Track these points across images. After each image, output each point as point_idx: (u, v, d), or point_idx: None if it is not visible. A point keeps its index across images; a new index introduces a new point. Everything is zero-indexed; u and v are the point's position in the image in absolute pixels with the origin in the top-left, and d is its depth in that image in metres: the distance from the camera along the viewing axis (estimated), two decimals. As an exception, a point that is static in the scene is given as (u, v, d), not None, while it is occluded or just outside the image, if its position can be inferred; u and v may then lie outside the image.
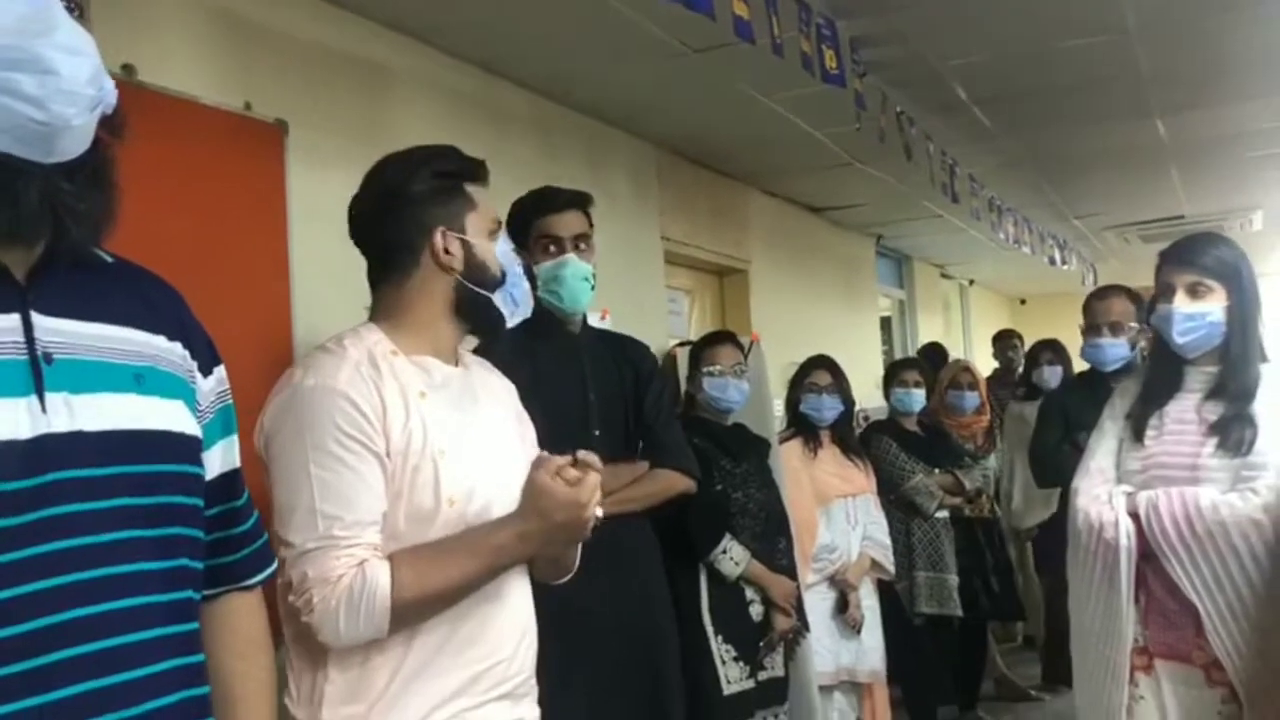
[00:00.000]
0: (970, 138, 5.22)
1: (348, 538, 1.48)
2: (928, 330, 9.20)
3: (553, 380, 2.49)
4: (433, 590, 1.50)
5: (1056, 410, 3.85)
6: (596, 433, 2.54)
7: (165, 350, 1.19)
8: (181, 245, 2.52)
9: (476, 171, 1.71)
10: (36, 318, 1.07)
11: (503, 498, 1.56)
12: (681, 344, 4.01)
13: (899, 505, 4.27)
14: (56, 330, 1.08)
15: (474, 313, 1.69)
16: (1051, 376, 5.18)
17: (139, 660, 1.08)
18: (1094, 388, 3.45)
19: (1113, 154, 5.85)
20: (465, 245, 1.66)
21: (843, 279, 7.51)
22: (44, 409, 1.04)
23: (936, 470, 4.37)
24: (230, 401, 1.31)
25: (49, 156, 1.03)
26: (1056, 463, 3.56)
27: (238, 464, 1.32)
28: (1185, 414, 2.39)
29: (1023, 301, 13.03)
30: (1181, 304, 2.37)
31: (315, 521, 1.48)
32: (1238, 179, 6.78)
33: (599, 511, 1.54)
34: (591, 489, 1.50)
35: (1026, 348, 6.05)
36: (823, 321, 6.85)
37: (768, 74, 3.89)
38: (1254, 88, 4.67)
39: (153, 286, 1.25)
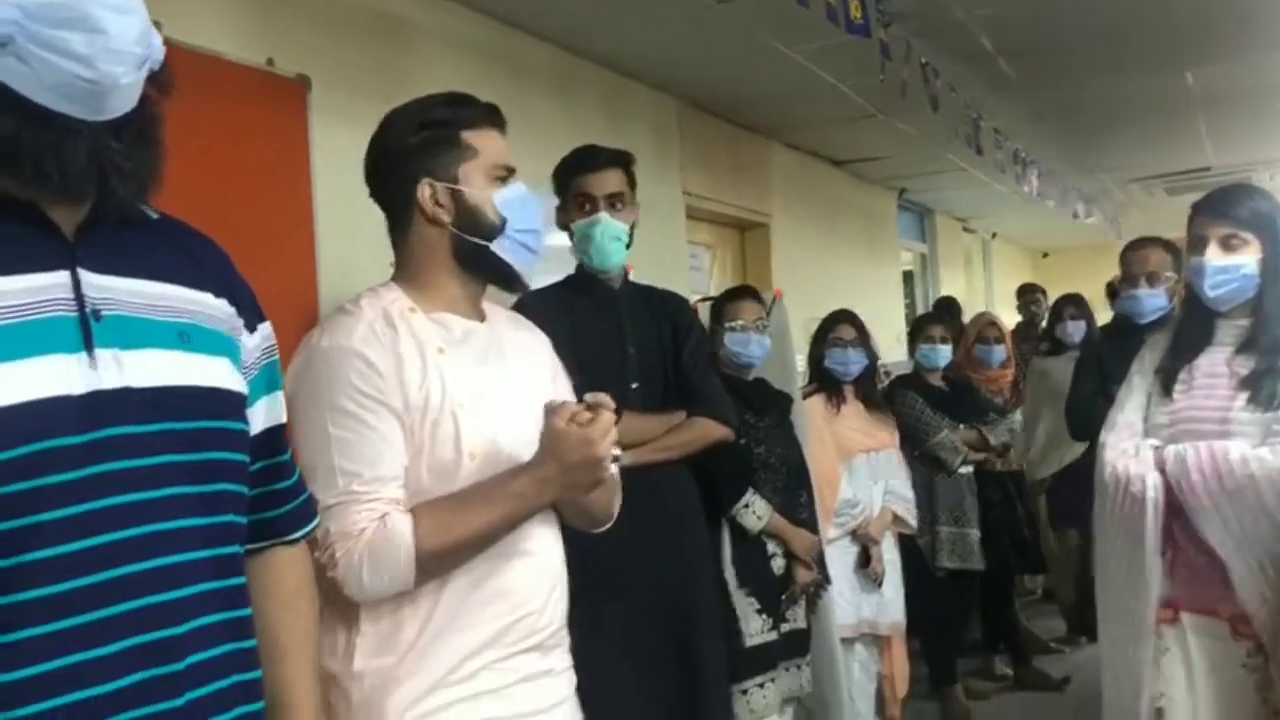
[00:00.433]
0: (995, 89, 5.16)
1: (368, 493, 1.50)
2: (949, 284, 9.16)
3: (591, 334, 2.52)
4: (455, 539, 1.51)
5: (1091, 362, 3.82)
6: (635, 385, 2.57)
7: (211, 307, 1.20)
8: (205, 202, 2.52)
9: (476, 118, 1.67)
10: (85, 274, 1.07)
11: (529, 451, 1.57)
12: (703, 299, 3.99)
13: (923, 460, 4.27)
14: (104, 287, 1.08)
15: (475, 263, 1.66)
16: (1075, 331, 5.16)
17: (186, 615, 1.09)
18: (1130, 340, 3.42)
19: (1139, 105, 5.78)
20: (455, 195, 1.64)
21: (864, 233, 7.47)
22: (94, 365, 1.05)
23: (961, 426, 4.37)
24: (276, 357, 1.32)
25: (97, 115, 1.03)
26: (1090, 416, 3.53)
27: (282, 419, 1.33)
28: (1216, 367, 2.36)
29: (1045, 255, 12.93)
30: (1214, 256, 2.34)
31: (336, 479, 1.49)
32: (1266, 130, 6.70)
33: (617, 452, 1.54)
34: (603, 428, 1.50)
35: (1049, 302, 6.02)
36: (844, 276, 6.82)
37: (791, 24, 3.85)
38: (1285, 37, 4.60)
39: (199, 243, 1.25)
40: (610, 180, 2.55)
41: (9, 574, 0.99)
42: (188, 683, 1.09)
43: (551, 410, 1.53)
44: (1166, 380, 2.42)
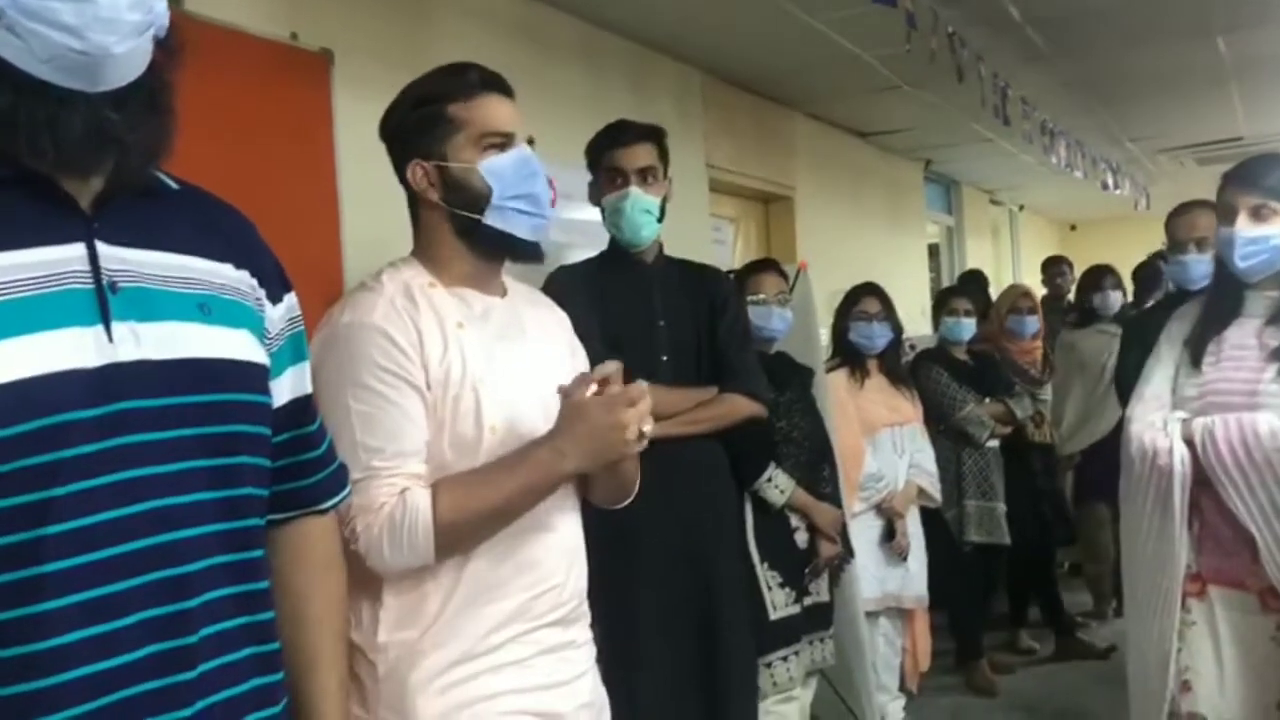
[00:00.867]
0: (1023, 59, 5.10)
1: (389, 468, 1.51)
2: (976, 257, 9.09)
3: (620, 308, 2.53)
4: (475, 512, 1.52)
5: (1136, 332, 3.77)
6: (664, 359, 2.57)
7: (232, 279, 1.19)
8: (229, 176, 2.52)
9: (465, 89, 1.64)
10: (102, 247, 1.06)
11: (547, 425, 1.57)
12: (725, 272, 3.98)
13: (949, 435, 4.26)
14: (122, 259, 1.08)
15: (475, 237, 1.65)
16: (1116, 301, 5.18)
17: (200, 588, 1.09)
18: (1176, 308, 3.37)
19: (1170, 74, 5.69)
20: (442, 171, 1.64)
21: (890, 205, 7.42)
22: (110, 338, 1.04)
23: (987, 399, 4.35)
24: (302, 328, 1.32)
25: (95, 86, 1.02)
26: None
27: (309, 389, 1.33)
28: (1245, 339, 2.34)
29: (1073, 227, 12.80)
30: (1244, 226, 2.31)
31: (358, 454, 1.50)
32: (1300, 99, 6.58)
33: (647, 427, 1.54)
34: (627, 400, 1.51)
35: (1075, 274, 5.99)
36: (869, 249, 6.78)
37: (816, -6, 3.82)
38: (1321, 2, 4.51)
39: (221, 213, 1.25)
40: (641, 154, 2.55)
41: (25, 548, 0.99)
42: (200, 655, 1.09)
43: (565, 391, 1.54)
44: (1195, 352, 2.40)
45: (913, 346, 5.01)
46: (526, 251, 1.69)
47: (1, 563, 0.99)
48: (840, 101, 5.91)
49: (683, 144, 4.80)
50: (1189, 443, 2.30)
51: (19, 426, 0.98)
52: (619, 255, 2.64)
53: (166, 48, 1.09)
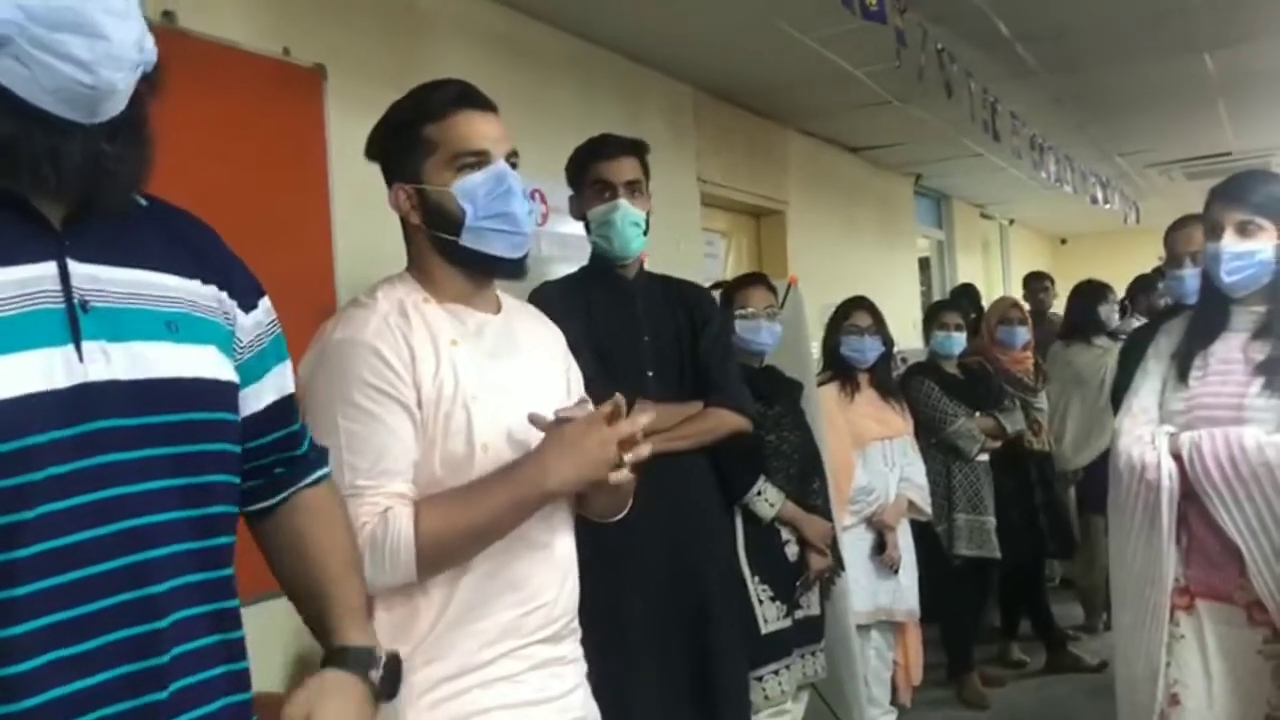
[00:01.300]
0: (1012, 74, 5.13)
1: (372, 487, 1.51)
2: (967, 270, 9.12)
3: (606, 323, 2.51)
4: (458, 530, 1.51)
5: (1134, 347, 3.79)
6: (650, 374, 2.56)
7: (200, 295, 1.19)
8: (222, 191, 2.54)
9: (438, 108, 1.63)
10: (73, 265, 1.06)
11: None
12: (714, 286, 3.99)
13: (940, 448, 4.27)
14: (93, 277, 1.07)
15: (457, 259, 1.65)
16: (1114, 316, 5.29)
17: (175, 606, 1.09)
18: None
19: (1159, 89, 5.73)
20: (419, 194, 1.64)
21: (881, 219, 7.45)
22: (81, 358, 1.04)
23: (977, 413, 4.36)
24: (280, 331, 1.32)
25: (92, 118, 1.03)
26: None
27: (290, 389, 1.33)
28: (1231, 354, 2.35)
29: (1063, 241, 12.86)
30: (1230, 242, 2.33)
31: (342, 472, 1.50)
32: (1289, 113, 6.63)
33: (644, 450, 1.55)
34: (607, 420, 1.53)
35: (1058, 288, 6.03)
36: (861, 262, 6.81)
37: (806, 11, 3.85)
38: (1307, 19, 4.55)
39: (188, 226, 1.24)
40: (627, 167, 2.54)
41: None
42: (172, 675, 1.09)
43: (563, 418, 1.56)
44: (1182, 366, 2.41)
45: (904, 360, 5.03)
46: (507, 270, 1.68)
47: None
48: (831, 117, 5.94)
49: (675, 159, 4.82)
50: (1176, 457, 2.31)
51: None
52: (603, 270, 2.61)
53: (150, 81, 1.10)
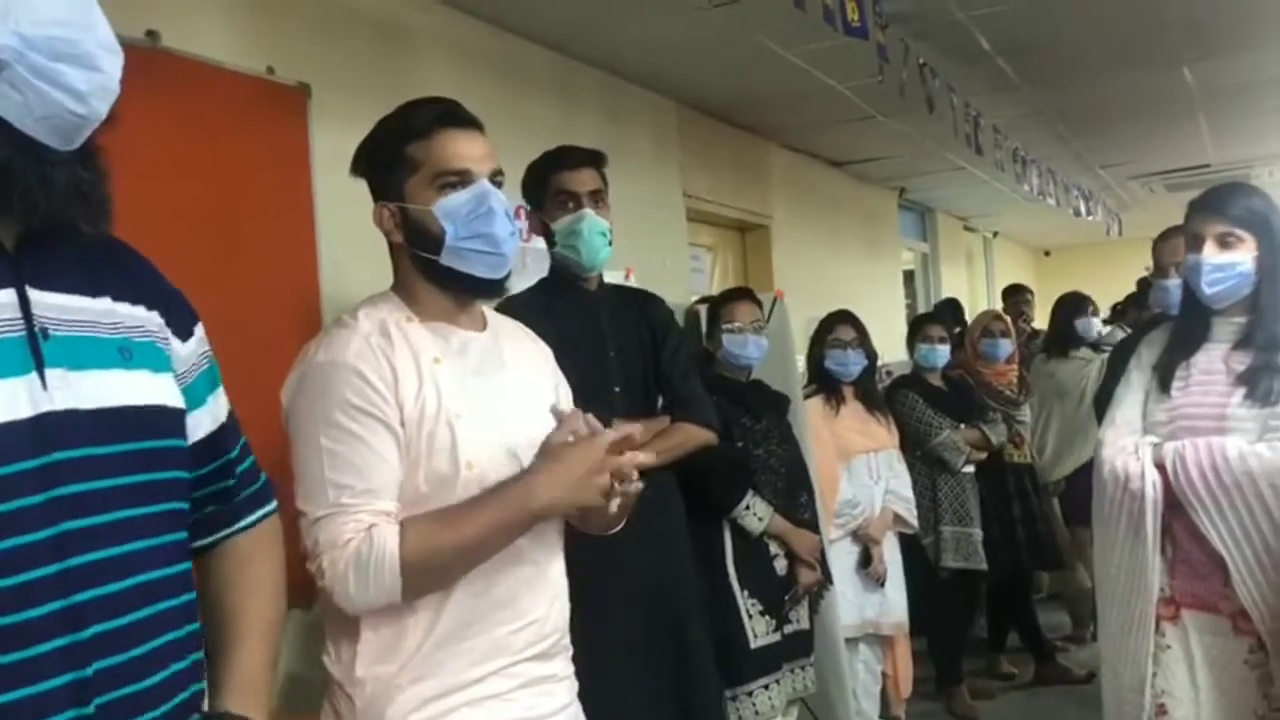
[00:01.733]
0: (994, 88, 5.17)
1: (356, 505, 1.50)
2: (951, 283, 9.16)
3: (572, 338, 2.45)
4: (443, 550, 1.50)
5: (1120, 357, 3.81)
6: (617, 389, 2.53)
7: (146, 320, 1.18)
8: (207, 210, 2.54)
9: (421, 127, 1.63)
10: (32, 292, 1.05)
11: (528, 460, 1.56)
12: (700, 300, 4.00)
13: (925, 460, 4.28)
14: (51, 305, 1.07)
15: (438, 278, 1.65)
16: (1095, 328, 5.33)
17: (148, 635, 1.09)
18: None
19: (1139, 103, 5.78)
20: (402, 213, 1.65)
21: (865, 233, 7.48)
22: (44, 386, 1.03)
23: (962, 425, 4.38)
24: (212, 361, 1.31)
25: (69, 145, 1.03)
26: None
27: (223, 418, 1.31)
28: (1213, 364, 2.37)
29: (1047, 253, 12.94)
30: (1210, 254, 2.34)
31: (326, 492, 1.50)
32: (1265, 126, 6.70)
33: (632, 487, 1.55)
34: (605, 446, 1.51)
35: (1043, 300, 6.07)
36: (845, 276, 6.83)
37: (788, 27, 3.86)
38: (1283, 33, 4.60)
39: (126, 255, 1.23)
40: (588, 178, 2.51)
41: None
42: (147, 703, 1.08)
43: (560, 417, 1.55)
44: (1164, 377, 2.42)
45: (889, 373, 5.04)
46: (486, 290, 1.68)
47: None
48: (815, 132, 5.97)
49: (659, 174, 4.84)
50: (1160, 467, 2.33)
51: None
52: (565, 282, 2.57)
53: (110, 113, 1.09)
